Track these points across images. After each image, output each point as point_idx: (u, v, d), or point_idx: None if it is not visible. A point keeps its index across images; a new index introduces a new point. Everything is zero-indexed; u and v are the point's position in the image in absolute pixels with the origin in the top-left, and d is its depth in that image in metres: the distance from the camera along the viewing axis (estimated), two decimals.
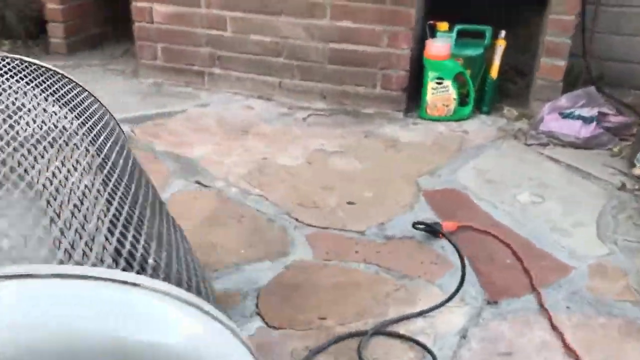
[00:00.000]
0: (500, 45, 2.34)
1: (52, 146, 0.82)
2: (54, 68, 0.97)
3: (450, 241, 1.46)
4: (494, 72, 2.35)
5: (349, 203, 1.71)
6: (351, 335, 1.23)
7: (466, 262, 1.46)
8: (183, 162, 1.92)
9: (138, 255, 0.62)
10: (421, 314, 1.29)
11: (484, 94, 2.38)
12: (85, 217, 0.67)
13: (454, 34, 2.32)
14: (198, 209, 1.67)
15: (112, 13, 2.99)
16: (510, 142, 2.16)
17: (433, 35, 2.35)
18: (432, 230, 1.53)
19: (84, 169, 0.89)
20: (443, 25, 2.34)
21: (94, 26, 3.01)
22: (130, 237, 0.62)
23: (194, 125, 2.19)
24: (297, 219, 1.63)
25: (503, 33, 2.34)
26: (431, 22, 2.35)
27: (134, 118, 2.23)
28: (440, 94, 2.28)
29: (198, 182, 1.80)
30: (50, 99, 0.93)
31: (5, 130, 0.72)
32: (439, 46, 2.23)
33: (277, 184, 1.81)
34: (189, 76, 2.56)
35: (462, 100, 2.33)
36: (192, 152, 1.99)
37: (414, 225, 1.54)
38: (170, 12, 2.47)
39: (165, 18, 2.49)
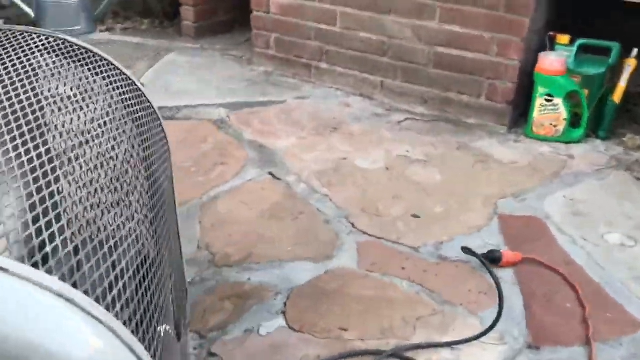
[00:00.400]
0: (629, 65, 2.10)
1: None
2: (99, 53, 1.03)
3: (488, 269, 1.35)
4: (617, 95, 2.12)
5: (414, 216, 1.64)
6: (367, 352, 1.18)
7: (520, 299, 1.35)
8: (264, 153, 1.96)
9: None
10: (448, 344, 1.21)
11: (602, 118, 2.16)
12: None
13: (574, 48, 2.13)
14: (262, 200, 1.70)
15: (241, 1, 3.11)
16: (619, 173, 1.93)
17: (552, 48, 2.17)
18: (477, 257, 1.42)
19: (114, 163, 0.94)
20: (563, 38, 2.15)
21: (223, 12, 3.16)
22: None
23: (286, 117, 2.22)
24: (353, 224, 1.59)
25: (635, 51, 2.10)
26: (551, 33, 2.17)
27: (234, 104, 2.31)
28: (548, 112, 2.10)
29: (271, 174, 1.83)
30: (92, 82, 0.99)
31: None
32: (552, 60, 2.05)
33: (346, 186, 1.78)
34: (297, 68, 2.60)
35: (575, 122, 2.13)
36: (275, 143, 2.02)
37: (463, 249, 1.44)
38: (286, 4, 2.51)
39: (280, 9, 2.54)
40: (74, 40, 1.00)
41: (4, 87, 0.83)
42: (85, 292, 0.55)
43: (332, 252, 1.49)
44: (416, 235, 1.56)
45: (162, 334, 0.67)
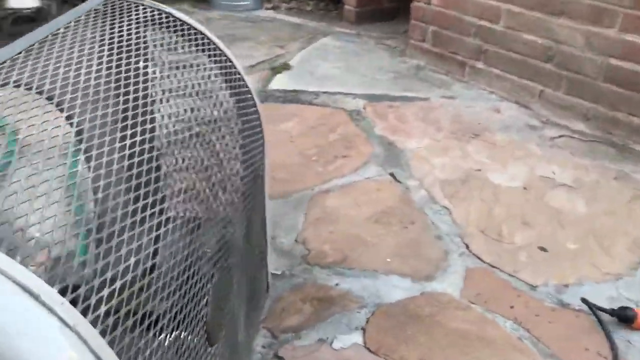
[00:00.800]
0: None
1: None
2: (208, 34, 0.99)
3: (604, 328, 1.13)
4: None
5: (541, 248, 1.44)
6: None
7: None
8: (391, 150, 1.85)
9: None
10: None
11: None
12: None
13: None
14: (375, 201, 1.59)
15: None
16: None
17: None
18: (593, 311, 1.19)
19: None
20: None
21: (387, 0, 3.06)
22: None
23: (425, 116, 2.08)
24: (467, 246, 1.43)
25: None
26: None
27: (374, 96, 2.22)
28: None
29: (392, 175, 1.72)
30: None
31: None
32: None
33: (471, 201, 1.61)
34: (450, 64, 2.43)
35: None
36: (405, 142, 1.90)
37: (582, 299, 1.22)
38: None
39: (442, 1, 2.38)
40: (179, 15, 0.98)
41: (109, 59, 0.82)
42: (64, 289, 0.51)
43: (435, 272, 1.35)
44: (537, 271, 1.36)
45: (169, 342, 0.61)
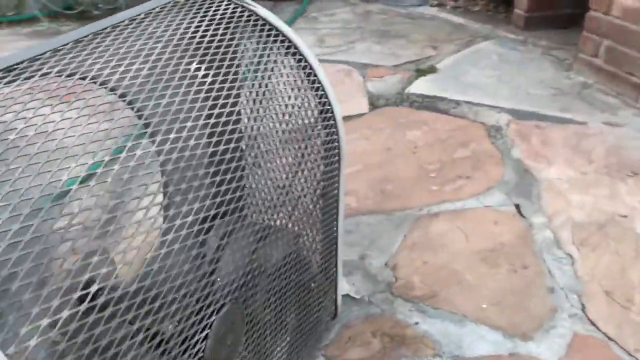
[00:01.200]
0: None
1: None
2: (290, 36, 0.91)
3: None
4: None
5: None
6: None
7: None
8: (523, 178, 1.64)
9: None
10: None
11: None
12: None
13: None
14: (487, 235, 1.42)
15: None
16: None
17: None
18: None
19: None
20: None
21: (564, 5, 2.74)
22: None
23: (577, 143, 1.82)
24: (583, 307, 1.21)
25: None
26: None
27: (522, 112, 1.99)
28: None
29: (516, 207, 1.52)
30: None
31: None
32: None
33: (604, 253, 1.37)
34: (623, 86, 2.10)
35: None
36: (544, 171, 1.67)
37: None
38: (634, 7, 2.02)
39: (624, 12, 2.06)
40: (264, 12, 0.91)
41: (189, 59, 0.79)
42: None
43: (534, 331, 1.16)
44: None
45: None
